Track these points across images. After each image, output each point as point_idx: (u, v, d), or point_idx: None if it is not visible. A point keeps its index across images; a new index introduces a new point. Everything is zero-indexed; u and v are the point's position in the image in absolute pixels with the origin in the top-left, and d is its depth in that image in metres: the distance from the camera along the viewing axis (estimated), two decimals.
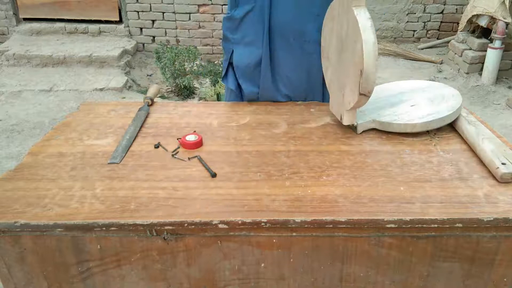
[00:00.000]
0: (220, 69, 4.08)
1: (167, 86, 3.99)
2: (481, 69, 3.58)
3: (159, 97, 3.92)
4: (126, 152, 1.01)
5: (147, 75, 4.37)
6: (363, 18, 0.90)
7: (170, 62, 3.77)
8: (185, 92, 3.92)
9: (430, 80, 3.76)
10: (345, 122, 1.06)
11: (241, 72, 1.26)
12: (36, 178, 0.90)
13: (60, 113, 3.35)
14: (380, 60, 4.23)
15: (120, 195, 0.84)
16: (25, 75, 3.88)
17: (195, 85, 4.08)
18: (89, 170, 0.93)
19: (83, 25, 4.42)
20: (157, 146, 1.04)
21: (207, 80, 4.21)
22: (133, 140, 1.06)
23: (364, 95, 0.95)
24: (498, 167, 0.86)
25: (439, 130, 1.08)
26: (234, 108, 1.26)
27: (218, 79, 3.93)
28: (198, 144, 1.03)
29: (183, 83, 3.83)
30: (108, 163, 0.96)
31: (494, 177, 0.87)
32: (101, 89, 3.70)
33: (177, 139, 1.06)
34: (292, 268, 0.82)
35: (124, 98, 3.69)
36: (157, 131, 1.12)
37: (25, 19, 4.48)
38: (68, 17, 4.41)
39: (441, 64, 4.04)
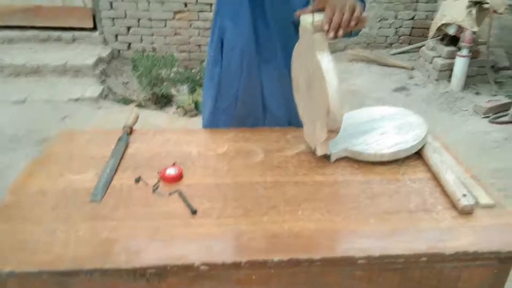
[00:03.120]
0: (198, 76, 4.10)
1: (144, 95, 3.97)
2: (450, 75, 3.72)
3: (137, 105, 3.90)
4: (107, 189, 1.03)
5: (123, 82, 4.34)
6: (325, 62, 0.96)
7: (147, 71, 3.76)
8: (163, 101, 3.92)
9: (402, 87, 3.89)
10: (319, 153, 1.12)
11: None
12: (19, 220, 0.91)
13: (35, 125, 3.29)
14: (354, 66, 4.33)
15: (103, 236, 0.86)
16: None
17: (172, 93, 4.08)
18: (71, 209, 0.95)
19: (57, 33, 4.34)
20: (137, 181, 1.06)
21: (185, 87, 4.22)
22: (113, 174, 1.08)
23: (333, 131, 1.00)
24: (459, 199, 0.93)
25: (407, 157, 1.15)
26: (212, 135, 1.30)
27: (196, 87, 3.95)
28: (178, 177, 1.07)
29: (161, 92, 3.83)
30: (90, 201, 0.98)
31: (456, 208, 0.94)
32: (76, 99, 3.66)
33: (157, 172, 1.09)
34: None
35: (100, 108, 3.66)
36: (137, 162, 1.14)
37: None
38: (41, 25, 4.32)
39: (412, 70, 4.17)
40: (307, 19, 0.99)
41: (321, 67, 0.95)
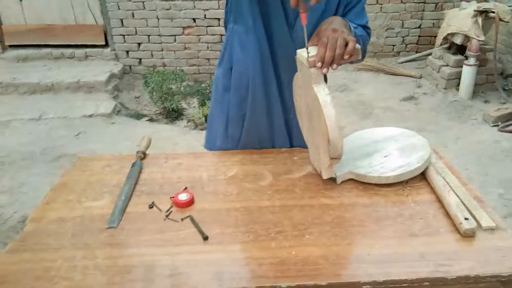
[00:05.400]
0: (208, 90, 4.17)
1: (156, 109, 4.06)
2: (458, 84, 3.72)
3: (148, 120, 3.99)
4: (123, 215, 1.08)
5: (135, 97, 4.43)
6: (322, 95, 1.00)
7: (157, 86, 3.85)
8: (174, 115, 3.99)
9: (410, 96, 3.90)
10: (324, 176, 1.16)
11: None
12: (41, 248, 0.96)
13: (50, 142, 3.39)
14: (361, 76, 4.36)
15: (120, 264, 0.91)
16: (13, 104, 3.91)
17: (183, 106, 4.16)
18: (89, 237, 1.00)
19: (69, 50, 4.47)
20: (151, 207, 1.11)
21: (195, 100, 4.29)
22: (128, 201, 1.13)
23: (336, 158, 1.04)
24: (461, 223, 0.95)
25: (411, 178, 1.18)
26: (222, 159, 1.34)
27: (206, 100, 4.02)
28: (190, 203, 1.11)
29: (171, 106, 3.90)
30: (107, 228, 1.03)
31: (459, 231, 0.97)
32: (90, 116, 3.76)
33: (170, 197, 1.14)
34: None
35: (113, 123, 3.75)
36: (150, 188, 1.19)
37: (10, 46, 4.50)
38: (54, 43, 4.45)
39: (420, 78, 4.18)
40: (303, 54, 1.03)
41: (319, 100, 1.00)
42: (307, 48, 1.03)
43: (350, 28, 1.11)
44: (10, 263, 0.92)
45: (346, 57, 1.01)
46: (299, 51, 1.07)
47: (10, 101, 3.96)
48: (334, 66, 1.01)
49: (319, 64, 1.00)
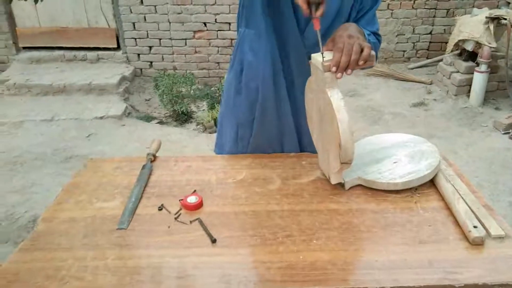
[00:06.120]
0: (217, 93, 4.19)
1: (165, 112, 4.09)
2: (469, 90, 3.69)
3: (158, 122, 4.02)
4: (133, 216, 1.09)
5: (145, 100, 4.47)
6: (336, 99, 1.01)
7: (168, 89, 3.88)
8: (183, 117, 4.02)
9: (420, 102, 3.88)
10: (333, 181, 1.16)
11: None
12: (52, 248, 0.98)
13: (62, 143, 3.43)
14: (371, 81, 4.35)
15: (129, 265, 0.92)
16: (26, 105, 3.97)
17: (192, 109, 4.18)
18: (100, 237, 1.01)
19: (82, 53, 4.53)
20: (160, 209, 1.13)
21: (204, 103, 4.31)
22: (138, 202, 1.15)
23: (346, 163, 1.04)
24: (470, 231, 0.95)
25: (420, 185, 1.18)
26: (231, 162, 1.35)
27: (215, 104, 4.04)
28: (198, 205, 1.12)
29: (181, 109, 3.93)
30: (117, 229, 1.04)
31: (467, 239, 0.96)
32: (101, 117, 3.79)
33: (179, 200, 1.15)
34: None
35: (124, 125, 3.78)
36: (160, 190, 1.20)
37: (24, 47, 4.58)
38: (67, 45, 4.51)
39: (430, 84, 4.16)
40: (318, 58, 1.04)
41: (332, 105, 1.00)
42: (322, 53, 1.03)
43: (364, 35, 1.12)
44: (21, 262, 0.94)
45: (361, 62, 1.02)
46: (314, 55, 1.08)
47: (23, 102, 4.02)
48: (349, 71, 1.02)
49: (334, 69, 1.01)
